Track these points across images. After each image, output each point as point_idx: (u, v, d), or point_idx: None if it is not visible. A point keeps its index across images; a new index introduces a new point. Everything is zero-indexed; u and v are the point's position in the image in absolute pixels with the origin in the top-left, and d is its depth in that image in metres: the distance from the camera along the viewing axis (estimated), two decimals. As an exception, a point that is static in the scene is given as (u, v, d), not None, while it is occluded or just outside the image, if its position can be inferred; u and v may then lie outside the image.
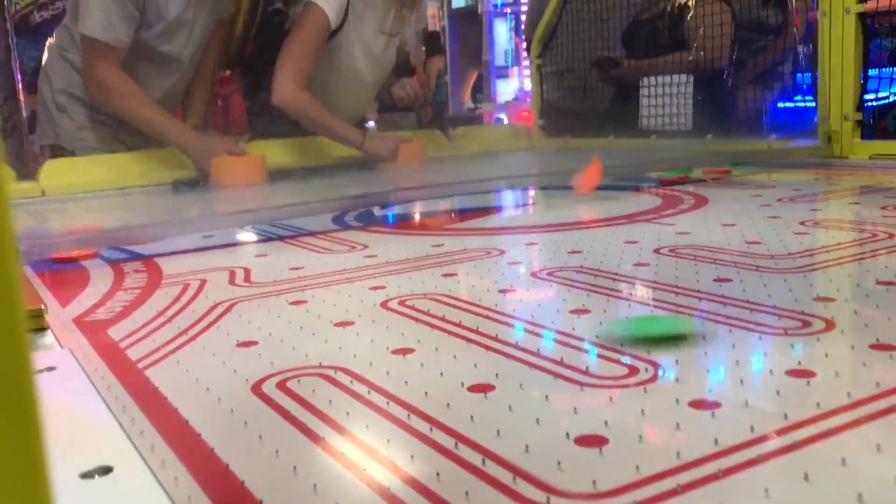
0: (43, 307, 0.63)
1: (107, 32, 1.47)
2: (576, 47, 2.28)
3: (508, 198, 1.35)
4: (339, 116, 1.73)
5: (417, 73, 2.09)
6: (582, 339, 0.53)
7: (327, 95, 1.76)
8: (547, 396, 0.43)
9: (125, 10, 1.48)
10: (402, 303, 0.65)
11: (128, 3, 1.48)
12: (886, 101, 1.67)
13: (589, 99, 2.27)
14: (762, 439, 0.36)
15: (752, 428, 0.37)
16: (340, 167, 1.72)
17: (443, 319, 0.59)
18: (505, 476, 0.34)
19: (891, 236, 0.80)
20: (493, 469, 0.35)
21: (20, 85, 1.77)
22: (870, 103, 1.56)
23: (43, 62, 1.70)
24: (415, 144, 1.75)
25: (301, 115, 1.69)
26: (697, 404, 0.41)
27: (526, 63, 3.90)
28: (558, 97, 2.34)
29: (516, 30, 4.50)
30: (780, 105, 1.97)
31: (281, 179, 1.56)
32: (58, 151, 1.67)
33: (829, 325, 0.53)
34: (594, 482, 0.33)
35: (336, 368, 0.49)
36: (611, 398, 0.42)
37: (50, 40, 1.72)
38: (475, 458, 0.36)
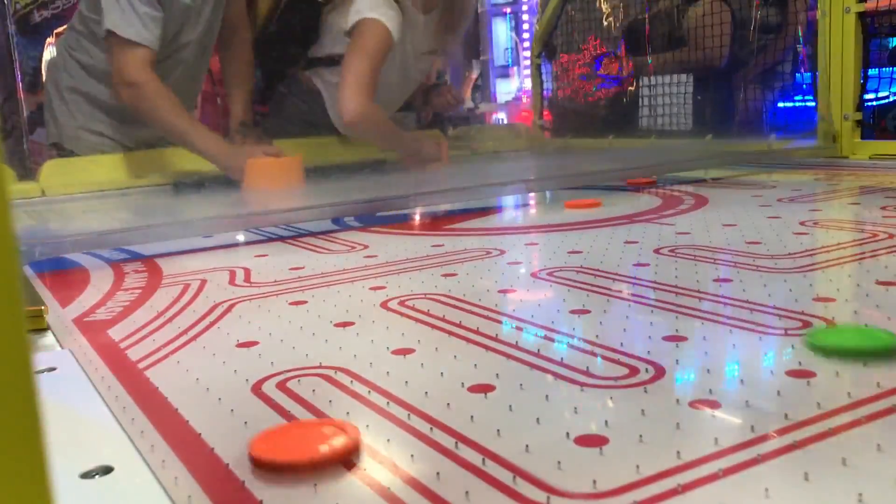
0: (43, 307, 0.63)
1: (140, 33, 1.44)
2: (576, 47, 2.28)
3: (509, 198, 1.35)
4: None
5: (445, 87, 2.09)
6: (582, 340, 0.53)
7: None
8: (547, 396, 0.43)
9: (153, 8, 1.46)
10: (402, 303, 0.65)
11: (153, 3, 1.46)
12: (886, 100, 1.67)
13: (588, 99, 2.27)
14: (762, 439, 0.36)
15: (752, 428, 0.37)
16: (352, 168, 1.71)
17: (443, 319, 0.59)
18: (505, 476, 0.34)
19: (891, 236, 0.80)
20: (493, 469, 0.35)
21: (20, 85, 1.77)
22: (870, 103, 1.56)
23: (47, 60, 1.70)
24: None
25: (374, 134, 1.62)
26: (698, 404, 0.41)
27: (526, 63, 3.90)
28: (559, 97, 2.34)
29: (516, 29, 4.50)
30: (780, 105, 1.97)
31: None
32: (60, 151, 1.66)
33: (830, 325, 0.53)
34: (594, 482, 0.33)
35: (336, 368, 0.49)
36: (611, 398, 0.42)
37: (50, 40, 1.72)
38: (475, 458, 0.36)
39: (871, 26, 1.51)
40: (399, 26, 1.61)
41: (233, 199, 1.37)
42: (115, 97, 1.54)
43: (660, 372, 0.46)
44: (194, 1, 1.55)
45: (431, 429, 0.40)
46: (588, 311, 0.60)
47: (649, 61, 2.04)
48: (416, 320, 0.60)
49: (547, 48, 2.32)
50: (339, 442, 0.37)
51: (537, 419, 0.40)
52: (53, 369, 0.50)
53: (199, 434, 0.41)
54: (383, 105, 1.76)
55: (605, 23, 2.23)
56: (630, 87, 2.09)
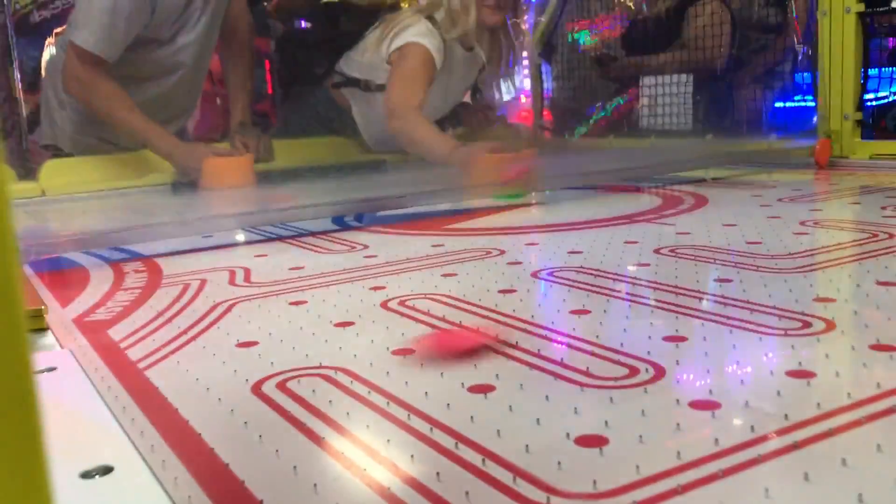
0: (43, 307, 0.63)
1: (98, 44, 1.45)
2: (576, 46, 2.28)
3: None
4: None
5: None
6: (582, 340, 0.53)
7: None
8: (547, 397, 0.43)
9: (123, 25, 1.45)
10: (402, 303, 0.65)
11: (126, 21, 1.45)
12: (886, 100, 1.67)
13: (589, 98, 2.27)
14: (763, 439, 0.36)
15: (752, 428, 0.37)
16: (361, 167, 1.71)
17: (443, 320, 0.59)
18: (505, 476, 0.34)
19: (891, 236, 0.80)
20: (493, 469, 0.35)
21: (20, 84, 1.77)
22: (870, 103, 1.56)
23: (46, 61, 1.70)
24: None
25: (409, 136, 1.58)
26: (698, 405, 0.41)
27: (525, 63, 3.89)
28: (559, 97, 2.34)
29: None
30: (780, 105, 1.97)
31: (300, 179, 1.55)
32: (56, 152, 1.66)
33: (830, 325, 0.53)
34: (594, 482, 0.33)
35: (336, 369, 0.49)
36: (611, 398, 0.42)
37: (50, 40, 1.71)
38: (475, 459, 0.36)
39: (871, 26, 1.51)
40: (442, 55, 1.63)
41: (233, 199, 1.37)
42: (66, 92, 1.54)
43: (660, 372, 0.46)
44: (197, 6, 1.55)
45: (431, 429, 0.39)
46: (588, 312, 0.60)
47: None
48: (417, 320, 0.60)
49: (546, 48, 2.32)
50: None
51: (537, 419, 0.40)
52: (53, 369, 0.50)
53: (199, 434, 0.41)
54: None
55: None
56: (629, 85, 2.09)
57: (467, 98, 2.00)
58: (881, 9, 1.49)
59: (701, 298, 0.61)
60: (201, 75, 1.75)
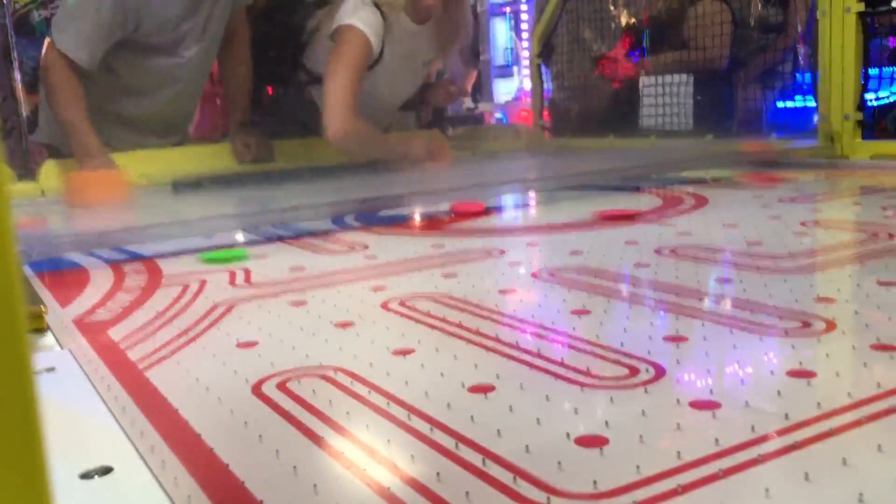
0: (43, 307, 0.63)
1: (78, 51, 1.45)
2: (576, 46, 2.28)
3: (509, 198, 1.35)
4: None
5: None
6: (582, 340, 0.53)
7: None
8: (547, 397, 0.43)
9: (103, 34, 1.45)
10: (402, 303, 0.65)
11: (107, 28, 1.44)
12: (886, 100, 1.67)
13: (589, 98, 2.27)
14: (763, 439, 0.36)
15: (752, 428, 0.37)
16: (352, 168, 1.70)
17: (443, 320, 0.59)
18: (505, 476, 0.34)
19: (891, 236, 0.80)
20: (493, 469, 0.35)
21: (20, 84, 1.77)
22: (870, 103, 1.56)
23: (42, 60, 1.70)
24: (444, 144, 1.65)
25: (359, 148, 1.61)
26: (698, 405, 0.41)
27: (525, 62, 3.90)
28: (559, 97, 2.34)
29: (516, 29, 4.50)
30: (780, 105, 1.97)
31: (292, 180, 1.55)
32: (52, 152, 1.67)
33: (830, 325, 0.53)
34: (594, 482, 0.33)
35: (336, 369, 0.49)
36: (611, 398, 0.42)
37: (49, 40, 1.71)
38: (476, 459, 0.36)
39: (871, 26, 1.51)
40: (380, 34, 1.58)
41: (233, 199, 1.37)
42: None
43: (660, 372, 0.46)
44: (198, 22, 1.54)
45: (432, 429, 0.39)
46: (588, 312, 0.60)
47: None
48: (417, 321, 0.60)
49: (546, 48, 2.32)
50: None
51: (537, 419, 0.40)
52: (53, 369, 0.50)
53: (199, 434, 0.41)
54: (377, 114, 1.75)
55: (605, 22, 2.23)
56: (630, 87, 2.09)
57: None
58: (881, 9, 1.49)
59: (701, 298, 0.61)
60: (202, 85, 1.75)
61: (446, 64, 2.01)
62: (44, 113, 1.69)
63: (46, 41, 1.50)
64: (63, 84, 1.48)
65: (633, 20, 2.15)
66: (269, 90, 1.93)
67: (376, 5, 1.59)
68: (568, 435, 0.38)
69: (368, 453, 0.37)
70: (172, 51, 1.56)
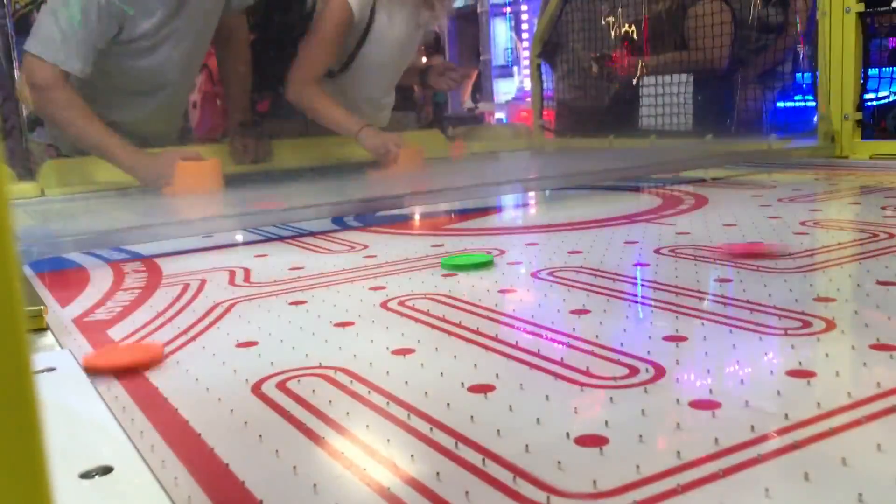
0: (43, 307, 0.63)
1: (71, 61, 1.39)
2: (576, 46, 2.28)
3: (508, 198, 1.35)
4: (362, 104, 1.71)
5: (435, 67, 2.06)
6: (582, 340, 0.53)
7: (350, 84, 1.74)
8: (547, 396, 0.43)
9: (93, 39, 1.42)
10: (402, 303, 0.65)
11: (97, 34, 1.40)
12: (886, 100, 1.67)
13: (589, 98, 2.27)
14: (763, 439, 0.36)
15: (752, 428, 0.37)
16: (349, 168, 1.71)
17: (443, 320, 0.59)
18: (505, 476, 0.34)
19: (891, 236, 0.80)
20: (493, 469, 0.35)
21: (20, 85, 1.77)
22: (870, 103, 1.56)
23: None
24: (411, 151, 1.63)
25: (308, 110, 1.67)
26: (698, 404, 0.41)
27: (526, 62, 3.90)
28: (561, 97, 2.34)
29: (516, 29, 4.50)
30: (780, 105, 1.97)
31: (291, 180, 1.55)
32: (56, 153, 1.66)
33: (830, 325, 0.53)
34: (594, 482, 0.33)
35: (336, 369, 0.49)
36: (611, 398, 0.42)
37: (30, 56, 1.71)
38: (475, 458, 0.36)
39: (871, 26, 1.51)
40: (365, 3, 1.63)
41: (233, 199, 1.37)
42: (24, 101, 1.50)
43: (660, 372, 0.46)
44: (176, 26, 1.52)
45: (431, 429, 0.39)
46: (588, 311, 0.60)
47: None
48: (416, 320, 0.60)
49: (547, 47, 2.32)
50: None
51: (537, 419, 0.40)
52: (53, 369, 0.50)
53: (199, 434, 0.41)
54: (377, 87, 1.77)
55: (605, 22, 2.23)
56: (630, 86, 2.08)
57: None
58: (881, 9, 1.49)
59: (701, 298, 0.61)
60: (188, 89, 1.74)
61: (443, 26, 2.01)
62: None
63: (27, 59, 1.42)
64: (71, 102, 1.42)
65: (632, 28, 2.15)
66: (261, 106, 1.93)
67: None
68: (568, 434, 0.38)
69: (368, 453, 0.37)
70: (156, 52, 1.54)
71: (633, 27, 2.15)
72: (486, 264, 0.77)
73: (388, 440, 0.39)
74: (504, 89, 4.57)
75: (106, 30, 1.43)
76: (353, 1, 1.62)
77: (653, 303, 0.61)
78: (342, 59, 1.73)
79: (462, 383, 0.45)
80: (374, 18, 1.68)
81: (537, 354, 0.50)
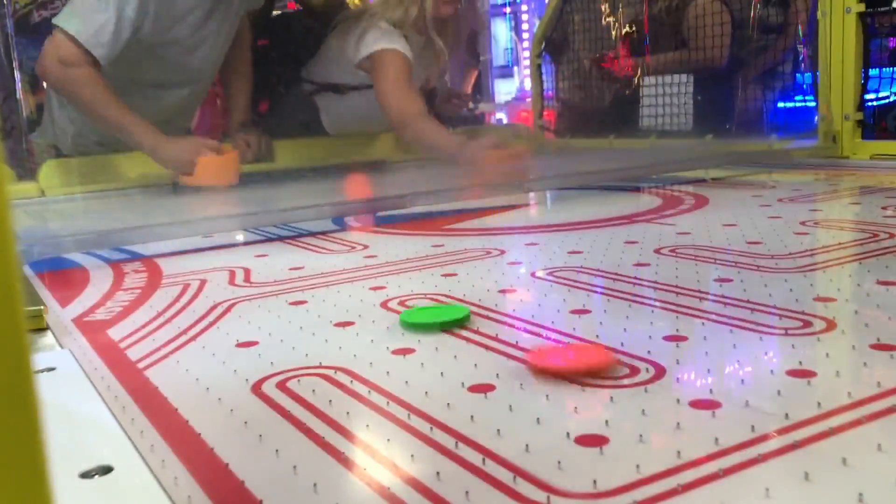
0: (43, 307, 0.63)
1: (96, 40, 1.39)
2: (576, 46, 2.27)
3: (508, 198, 1.35)
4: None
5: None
6: (582, 340, 0.53)
7: (355, 105, 1.80)
8: (547, 396, 0.43)
9: (125, 28, 1.42)
10: (402, 303, 0.65)
11: (129, 25, 1.41)
12: (887, 100, 1.67)
13: (590, 99, 2.27)
14: (763, 439, 0.36)
15: (752, 427, 0.37)
16: (349, 168, 1.71)
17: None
18: (505, 476, 0.34)
19: (891, 236, 0.80)
20: (493, 469, 0.35)
21: (20, 85, 1.77)
22: (870, 103, 1.56)
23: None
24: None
25: (421, 138, 1.67)
26: (698, 404, 0.41)
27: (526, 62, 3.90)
28: (561, 97, 2.34)
29: (516, 29, 4.50)
30: (781, 105, 1.96)
31: (290, 180, 1.55)
32: (56, 152, 1.67)
33: (830, 324, 0.53)
34: (594, 482, 0.33)
35: (336, 368, 0.49)
36: (611, 398, 0.42)
37: (56, 32, 1.71)
38: (475, 458, 0.36)
39: (872, 26, 1.51)
40: (411, 51, 1.70)
41: (233, 199, 1.37)
42: (43, 78, 1.49)
43: (660, 372, 0.46)
44: (213, 27, 1.54)
45: (431, 429, 0.39)
46: (588, 311, 0.60)
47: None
48: (417, 320, 0.60)
49: (549, 46, 2.31)
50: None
51: (537, 419, 0.40)
52: (53, 369, 0.50)
53: (199, 434, 0.41)
54: (379, 118, 1.79)
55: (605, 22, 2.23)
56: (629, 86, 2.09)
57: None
58: (881, 9, 1.49)
59: (701, 298, 0.61)
60: (208, 87, 1.76)
61: (441, 77, 2.05)
62: (49, 114, 1.69)
63: (56, 33, 1.41)
64: (95, 80, 1.41)
65: (633, 28, 2.15)
66: (263, 106, 1.95)
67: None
68: (568, 434, 0.38)
69: (368, 453, 0.37)
70: (188, 51, 1.56)
71: (634, 27, 2.15)
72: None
73: (388, 440, 0.39)
74: (504, 89, 4.57)
75: (140, 25, 1.43)
76: (408, 53, 1.68)
77: (653, 303, 0.61)
78: (358, 80, 1.79)
79: (462, 383, 0.45)
80: None
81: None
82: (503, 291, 0.68)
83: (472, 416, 0.41)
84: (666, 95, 1.96)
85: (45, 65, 1.44)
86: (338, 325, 0.60)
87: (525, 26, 4.34)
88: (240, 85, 1.74)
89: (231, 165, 1.47)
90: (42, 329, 0.61)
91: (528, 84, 2.44)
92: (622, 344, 0.51)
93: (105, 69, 1.44)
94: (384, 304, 0.65)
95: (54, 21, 1.44)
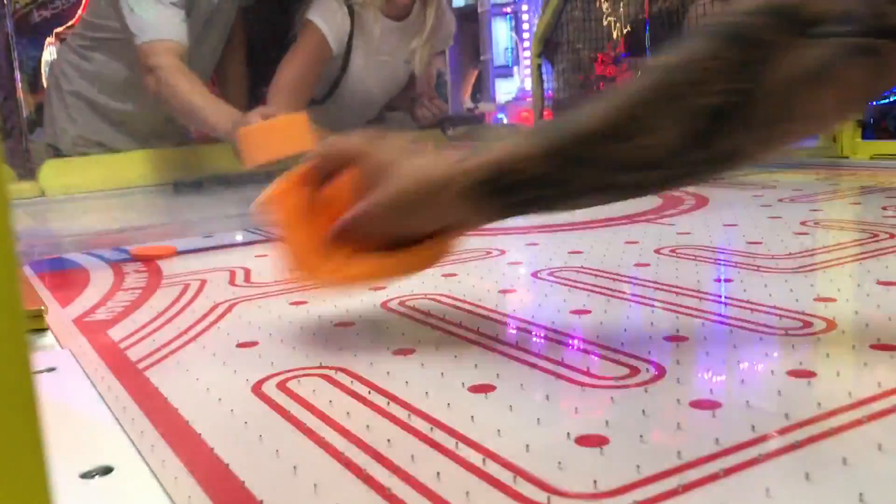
0: (43, 307, 0.63)
1: (176, 29, 1.44)
2: (576, 46, 2.27)
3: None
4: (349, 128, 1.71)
5: (418, 83, 2.03)
6: (582, 340, 0.53)
7: (335, 110, 1.74)
8: (548, 396, 0.43)
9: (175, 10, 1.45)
10: (402, 303, 0.65)
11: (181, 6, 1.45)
12: (887, 101, 1.67)
13: (591, 98, 2.27)
14: (763, 439, 0.36)
15: (753, 428, 0.37)
16: None
17: (443, 320, 0.59)
18: (505, 476, 0.34)
19: (892, 236, 0.80)
20: (493, 469, 0.35)
21: (20, 84, 1.77)
22: (870, 103, 1.56)
23: (47, 61, 1.70)
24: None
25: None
26: (698, 404, 0.41)
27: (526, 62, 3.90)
28: (562, 96, 2.34)
29: (516, 29, 4.50)
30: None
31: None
32: (57, 152, 1.67)
33: (830, 325, 0.53)
34: (595, 482, 0.33)
35: (336, 369, 0.49)
36: (612, 398, 0.42)
37: (50, 40, 1.72)
38: (476, 458, 0.36)
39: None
40: (342, 31, 1.59)
41: (233, 199, 1.37)
42: (150, 90, 1.50)
43: (660, 372, 0.46)
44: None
45: (432, 429, 0.39)
46: (588, 311, 0.60)
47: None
48: (417, 320, 0.60)
49: (548, 46, 2.31)
50: None
51: (538, 419, 0.40)
52: (53, 369, 0.50)
53: (199, 434, 0.41)
54: (360, 108, 1.77)
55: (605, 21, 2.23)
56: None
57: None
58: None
59: (701, 298, 0.61)
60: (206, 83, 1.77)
61: (434, 62, 1.99)
62: (50, 114, 1.69)
63: (140, 50, 1.44)
64: (182, 70, 1.44)
65: (630, 28, 2.15)
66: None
67: (348, 4, 1.60)
68: (568, 434, 0.38)
69: (368, 453, 0.37)
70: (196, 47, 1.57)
71: (634, 27, 2.15)
72: None
73: (388, 440, 0.39)
74: (504, 89, 4.57)
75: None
76: (329, 34, 1.59)
77: (653, 303, 0.61)
78: (324, 89, 1.73)
79: (462, 383, 0.45)
80: (350, 50, 1.66)
81: (538, 354, 0.50)
82: (503, 291, 0.68)
83: (472, 417, 0.41)
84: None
85: (147, 85, 1.46)
86: (338, 325, 0.60)
87: (525, 26, 4.33)
88: (236, 83, 1.75)
89: (286, 130, 1.28)
90: (42, 329, 0.61)
91: (528, 84, 2.44)
92: (622, 344, 0.51)
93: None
94: (384, 305, 0.65)
95: (136, 43, 1.45)
